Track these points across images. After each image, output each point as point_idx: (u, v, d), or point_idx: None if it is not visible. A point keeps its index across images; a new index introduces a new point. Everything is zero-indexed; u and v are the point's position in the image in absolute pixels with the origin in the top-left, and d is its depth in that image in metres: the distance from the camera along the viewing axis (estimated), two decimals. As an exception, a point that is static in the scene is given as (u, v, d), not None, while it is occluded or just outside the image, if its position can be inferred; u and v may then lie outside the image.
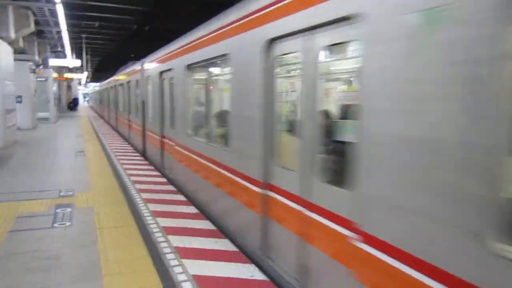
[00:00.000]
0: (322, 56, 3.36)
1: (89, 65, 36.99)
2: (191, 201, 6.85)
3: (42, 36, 21.81)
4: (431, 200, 2.20)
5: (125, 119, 16.96)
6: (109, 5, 16.94)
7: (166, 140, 9.19)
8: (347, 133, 3.21)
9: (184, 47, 7.35)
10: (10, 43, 14.13)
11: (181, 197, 7.10)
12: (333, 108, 3.82)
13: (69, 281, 3.88)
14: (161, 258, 4.44)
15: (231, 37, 5.00)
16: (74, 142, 15.26)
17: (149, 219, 5.81)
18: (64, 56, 28.07)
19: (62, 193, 7.26)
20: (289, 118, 4.30)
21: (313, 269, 3.42)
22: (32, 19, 15.23)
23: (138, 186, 7.89)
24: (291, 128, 4.01)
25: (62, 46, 25.79)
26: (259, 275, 4.02)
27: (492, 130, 1.91)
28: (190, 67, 7.08)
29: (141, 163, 10.90)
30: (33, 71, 20.71)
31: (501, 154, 1.89)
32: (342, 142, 3.22)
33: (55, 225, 5.54)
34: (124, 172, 9.30)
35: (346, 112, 3.40)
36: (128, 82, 15.48)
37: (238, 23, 4.77)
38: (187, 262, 4.32)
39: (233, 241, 4.91)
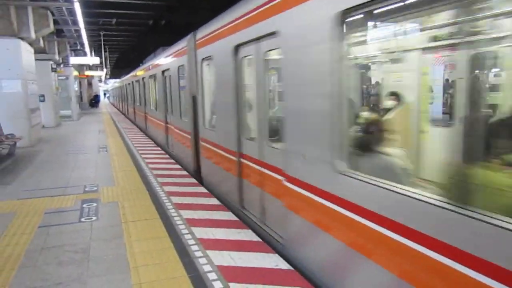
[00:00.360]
0: (265, 57, 4.83)
1: (108, 61, 37.49)
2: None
3: (62, 35, 22.18)
4: (310, 147, 3.78)
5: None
6: (125, 1, 17.10)
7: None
8: (280, 110, 4.81)
9: None
10: (31, 43, 14.43)
11: (203, 189, 7.18)
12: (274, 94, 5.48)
13: (98, 274, 3.99)
14: (186, 249, 4.51)
15: (213, 43, 6.68)
16: (97, 138, 15.56)
17: (172, 212, 5.90)
18: (84, 54, 28.51)
19: (87, 189, 7.44)
20: (250, 103, 5.48)
21: (266, 208, 5.01)
22: (51, 19, 15.49)
23: (160, 179, 8.01)
24: (252, 110, 5.41)
25: (81, 44, 26.19)
26: (283, 265, 4.04)
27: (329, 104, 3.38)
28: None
29: (162, 156, 11.03)
30: (54, 70, 21.13)
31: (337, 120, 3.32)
32: (279, 117, 4.59)
33: (82, 219, 5.69)
34: (146, 166, 9.44)
35: (279, 96, 4.98)
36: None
37: (217, 32, 6.39)
38: (211, 253, 4.38)
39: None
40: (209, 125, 7.34)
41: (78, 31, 20.56)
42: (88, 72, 35.72)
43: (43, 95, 18.30)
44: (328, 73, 3.35)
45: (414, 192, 2.58)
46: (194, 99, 8.08)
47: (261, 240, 4.73)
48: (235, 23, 5.58)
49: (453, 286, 2.29)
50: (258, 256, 4.27)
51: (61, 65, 24.19)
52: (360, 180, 3.05)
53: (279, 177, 4.43)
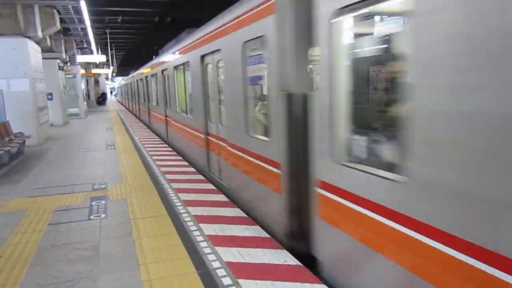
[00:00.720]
0: (215, 64, 7.06)
1: (114, 59, 37.62)
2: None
3: (68, 33, 22.29)
4: (236, 123, 5.81)
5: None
6: (131, -2, 17.15)
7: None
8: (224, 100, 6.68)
9: None
10: (38, 42, 14.51)
11: (211, 186, 7.19)
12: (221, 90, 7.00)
13: (108, 271, 4.02)
14: (195, 246, 4.53)
15: (189, 52, 8.89)
16: (105, 136, 15.65)
17: (180, 208, 5.92)
18: (90, 52, 28.66)
19: (95, 186, 7.49)
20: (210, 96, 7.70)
21: (221, 168, 7.22)
22: (57, 18, 15.57)
23: (168, 176, 8.04)
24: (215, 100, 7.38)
25: (88, 43, 26.33)
26: (291, 260, 4.04)
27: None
28: None
29: (169, 153, 11.07)
30: (61, 69, 21.26)
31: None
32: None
33: (91, 217, 5.73)
34: (154, 163, 9.48)
35: (223, 91, 6.92)
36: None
37: (191, 44, 8.60)
38: (219, 249, 4.39)
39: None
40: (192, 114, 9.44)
41: (84, 29, 20.66)
42: (94, 70, 35.89)
43: (50, 94, 18.43)
44: (241, 76, 5.51)
45: None
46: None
47: (269, 236, 4.73)
48: (201, 39, 7.75)
49: None
50: (266, 252, 4.28)
51: (68, 64, 24.34)
52: (256, 138, 5.32)
53: (225, 145, 6.59)
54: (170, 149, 11.94)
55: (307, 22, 4.03)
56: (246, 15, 5.22)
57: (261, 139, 5.18)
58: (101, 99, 44.74)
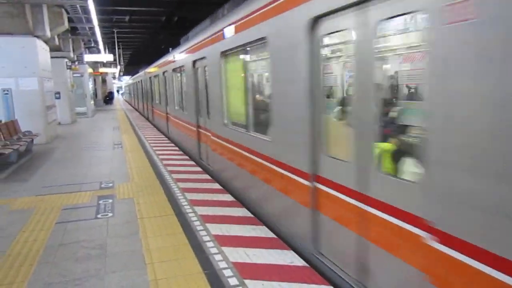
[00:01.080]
0: (203, 68, 8.65)
1: (121, 59, 37.78)
2: None
3: (76, 33, 22.42)
4: (216, 114, 7.68)
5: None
6: (138, -2, 17.21)
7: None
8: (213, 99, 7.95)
9: None
10: (46, 41, 14.61)
11: (217, 186, 7.19)
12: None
13: (115, 270, 4.03)
14: (201, 246, 4.53)
15: (183, 58, 10.81)
16: (112, 135, 15.72)
17: (187, 208, 5.93)
18: (98, 51, 28.84)
19: (102, 185, 7.52)
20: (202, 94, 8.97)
21: (208, 155, 8.65)
22: (65, 17, 15.66)
23: (174, 175, 8.05)
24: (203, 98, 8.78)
25: (95, 42, 26.47)
26: (298, 261, 4.03)
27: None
28: None
29: (176, 153, 11.09)
30: (69, 68, 21.40)
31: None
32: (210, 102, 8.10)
33: (98, 216, 5.75)
34: (160, 163, 9.51)
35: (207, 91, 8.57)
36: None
37: (185, 51, 10.38)
38: (226, 249, 4.39)
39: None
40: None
41: (92, 28, 20.77)
42: (102, 69, 36.13)
43: (58, 93, 18.56)
44: (219, 80, 7.09)
45: None
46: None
47: (276, 237, 4.72)
48: (193, 47, 9.25)
49: None
50: (273, 252, 4.26)
51: (76, 63, 24.51)
52: (228, 126, 6.93)
53: (209, 134, 8.28)
54: (176, 148, 11.98)
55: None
56: (217, 34, 7.05)
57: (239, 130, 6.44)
58: (108, 98, 44.99)
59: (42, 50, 13.94)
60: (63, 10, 15.34)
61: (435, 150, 2.45)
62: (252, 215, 5.51)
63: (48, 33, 13.88)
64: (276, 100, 4.80)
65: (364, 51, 3.15)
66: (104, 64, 36.33)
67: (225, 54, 6.77)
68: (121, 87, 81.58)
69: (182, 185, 7.29)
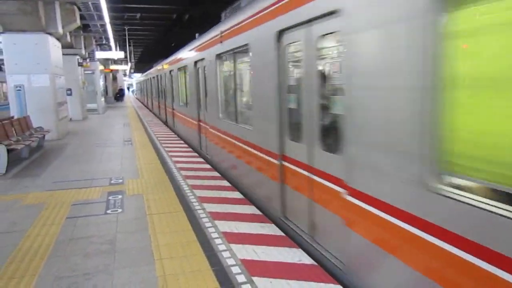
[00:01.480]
0: (203, 68, 9.72)
1: (132, 56, 38.01)
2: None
3: (87, 30, 22.61)
4: (209, 105, 9.16)
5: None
6: (149, -5, 17.28)
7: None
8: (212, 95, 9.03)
9: None
10: (58, 38, 14.75)
11: (226, 183, 7.20)
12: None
13: (124, 265, 4.06)
14: (210, 243, 4.54)
15: (186, 58, 12.16)
16: (122, 131, 15.83)
17: (196, 205, 5.95)
18: (109, 49, 29.03)
19: (112, 181, 7.58)
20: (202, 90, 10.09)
21: (203, 143, 10.21)
22: (77, 14, 15.80)
23: (184, 172, 8.08)
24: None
25: (107, 39, 26.67)
26: (306, 259, 4.02)
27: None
28: None
29: (185, 150, 11.13)
30: (81, 64, 21.59)
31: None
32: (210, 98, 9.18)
33: (108, 211, 5.79)
34: (170, 159, 9.55)
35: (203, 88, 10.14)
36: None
37: (188, 52, 11.71)
38: (234, 246, 4.39)
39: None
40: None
41: (103, 26, 20.93)
42: (113, 67, 36.36)
43: (70, 89, 18.74)
44: (214, 78, 8.19)
45: None
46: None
47: (284, 235, 4.71)
48: (194, 49, 10.42)
49: None
50: (281, 250, 4.26)
51: (87, 60, 24.69)
52: (222, 119, 7.91)
53: (208, 127, 9.40)
54: (185, 145, 12.03)
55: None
56: (214, 38, 8.14)
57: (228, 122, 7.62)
58: (119, 95, 45.27)
59: (54, 47, 14.08)
60: (75, 7, 15.47)
61: (349, 132, 3.44)
62: (261, 213, 5.50)
63: (61, 30, 14.01)
64: (255, 95, 5.83)
65: (309, 58, 4.22)
66: (115, 61, 36.58)
67: (219, 56, 7.91)
68: (131, 84, 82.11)
69: (191, 182, 7.31)
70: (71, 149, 11.79)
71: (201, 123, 10.31)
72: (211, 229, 4.94)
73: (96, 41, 27.29)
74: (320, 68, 4.13)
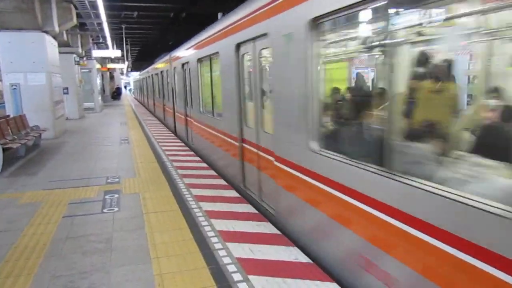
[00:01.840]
0: (189, 69, 11.11)
1: (129, 54, 37.91)
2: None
3: (84, 28, 22.52)
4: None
5: None
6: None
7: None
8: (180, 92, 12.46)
9: None
10: (55, 36, 14.70)
11: (222, 182, 7.21)
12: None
13: (121, 264, 4.07)
14: (206, 241, 4.55)
15: (174, 61, 13.89)
16: (119, 130, 15.82)
17: (192, 204, 5.96)
18: (106, 47, 28.91)
19: (109, 180, 7.57)
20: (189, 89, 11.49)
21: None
22: (74, 13, 15.73)
23: (180, 171, 8.09)
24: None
25: (104, 38, 26.56)
26: (302, 258, 4.04)
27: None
28: None
29: (182, 148, 11.14)
30: (77, 63, 21.52)
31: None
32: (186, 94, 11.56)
33: (105, 210, 5.80)
34: (166, 158, 9.55)
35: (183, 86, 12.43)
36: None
37: (175, 56, 13.72)
38: (230, 245, 4.40)
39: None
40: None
41: (100, 24, 20.85)
42: (110, 65, 36.23)
43: (66, 88, 18.68)
44: (196, 79, 9.86)
45: None
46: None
47: (280, 233, 4.73)
48: (182, 52, 12.03)
49: None
50: (277, 249, 4.28)
51: (84, 58, 24.62)
52: (202, 113, 9.75)
53: (192, 120, 11.07)
54: (182, 144, 12.04)
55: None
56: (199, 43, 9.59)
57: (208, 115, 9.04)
58: (116, 93, 45.22)
59: (50, 45, 14.04)
60: (71, 5, 15.40)
61: (275, 118, 4.95)
62: (256, 211, 5.53)
63: (57, 29, 13.96)
64: (223, 93, 7.34)
65: (255, 64, 5.76)
66: (112, 60, 36.43)
67: (200, 60, 9.44)
68: (128, 83, 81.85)
69: (187, 180, 7.32)
70: (68, 148, 11.77)
71: (188, 118, 11.95)
72: (208, 228, 4.96)
73: (93, 40, 27.17)
74: (262, 72, 5.63)
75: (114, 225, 5.18)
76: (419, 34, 3.41)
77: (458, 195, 2.34)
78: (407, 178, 2.75)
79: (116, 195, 6.53)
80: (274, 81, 4.95)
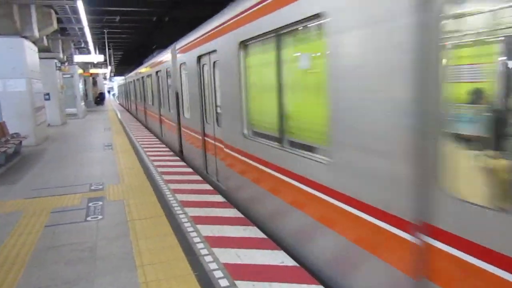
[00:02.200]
0: (165, 75, 12.64)
1: (112, 59, 37.53)
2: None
3: (65, 33, 22.22)
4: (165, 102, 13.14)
5: None
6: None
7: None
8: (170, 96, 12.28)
9: None
10: (35, 42, 14.46)
11: (208, 187, 7.18)
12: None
13: (105, 272, 4.01)
14: (192, 247, 4.52)
15: (152, 68, 15.86)
16: (102, 136, 15.61)
17: (177, 209, 5.91)
18: (88, 52, 28.56)
19: (92, 187, 7.47)
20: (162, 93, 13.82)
21: (164, 132, 14.01)
22: (54, 17, 15.49)
23: (165, 177, 8.02)
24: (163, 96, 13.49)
25: (85, 42, 26.23)
26: (289, 261, 4.04)
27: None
28: None
29: (167, 153, 11.05)
30: (59, 68, 21.19)
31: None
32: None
33: (88, 218, 5.71)
34: (151, 164, 9.46)
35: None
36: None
37: (151, 64, 16.09)
38: (217, 250, 4.38)
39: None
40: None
41: (82, 29, 20.59)
42: (92, 70, 35.81)
43: (48, 94, 18.37)
44: (160, 85, 13.69)
45: None
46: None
47: (266, 237, 4.73)
48: (155, 63, 14.22)
49: None
50: (264, 253, 4.27)
51: (66, 64, 24.26)
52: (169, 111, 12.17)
53: (164, 119, 13.39)
54: (167, 149, 11.96)
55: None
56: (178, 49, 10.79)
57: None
58: (99, 99, 44.64)
59: (30, 51, 13.80)
60: (52, 10, 15.18)
61: (222, 114, 6.52)
62: (242, 216, 5.51)
63: (37, 34, 13.74)
64: (191, 97, 8.85)
65: (210, 74, 7.23)
66: (95, 65, 35.99)
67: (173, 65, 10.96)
68: (112, 88, 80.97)
69: (172, 186, 7.26)
70: (50, 155, 11.57)
71: (161, 117, 13.95)
72: (193, 234, 4.92)
73: (74, 45, 26.84)
74: (215, 80, 6.95)
75: (98, 233, 5.10)
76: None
77: None
78: (292, 148, 4.30)
79: (100, 202, 6.43)
80: (221, 86, 6.54)
